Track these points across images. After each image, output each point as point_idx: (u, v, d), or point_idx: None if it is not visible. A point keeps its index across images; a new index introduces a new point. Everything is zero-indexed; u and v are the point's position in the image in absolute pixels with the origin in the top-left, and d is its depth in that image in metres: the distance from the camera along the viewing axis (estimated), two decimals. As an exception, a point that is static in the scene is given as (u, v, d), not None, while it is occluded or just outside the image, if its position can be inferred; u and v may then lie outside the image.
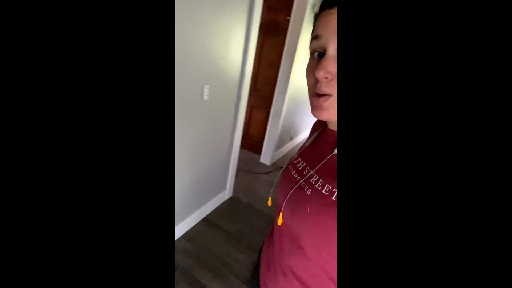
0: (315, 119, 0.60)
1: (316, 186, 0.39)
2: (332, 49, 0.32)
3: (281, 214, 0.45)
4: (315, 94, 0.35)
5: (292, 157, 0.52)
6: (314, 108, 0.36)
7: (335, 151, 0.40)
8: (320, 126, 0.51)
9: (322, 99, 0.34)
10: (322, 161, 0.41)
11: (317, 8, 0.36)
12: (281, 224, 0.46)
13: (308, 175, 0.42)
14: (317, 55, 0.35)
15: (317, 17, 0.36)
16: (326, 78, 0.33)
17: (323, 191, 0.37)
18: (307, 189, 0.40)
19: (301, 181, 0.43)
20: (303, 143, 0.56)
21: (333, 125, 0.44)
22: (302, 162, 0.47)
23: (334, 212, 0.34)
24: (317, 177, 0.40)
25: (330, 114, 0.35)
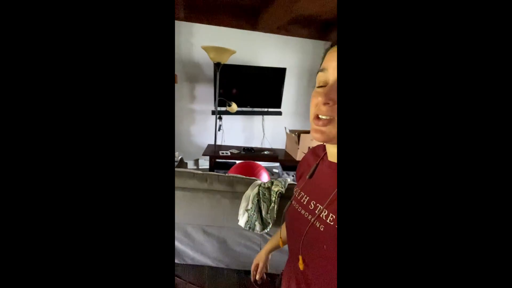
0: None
1: (328, 221, 0.39)
2: (332, 80, 0.37)
3: (300, 258, 0.43)
4: (316, 117, 0.39)
5: (294, 192, 0.52)
6: (314, 130, 0.40)
7: None
8: (317, 157, 0.51)
9: (322, 121, 0.38)
10: (328, 194, 0.41)
11: (328, 45, 0.43)
12: (303, 269, 0.43)
13: (318, 210, 0.42)
14: (321, 87, 0.39)
15: (325, 53, 0.41)
16: (328, 103, 0.37)
17: (336, 226, 0.37)
18: (319, 226, 0.40)
19: (313, 219, 0.42)
20: (297, 173, 0.57)
21: (333, 156, 0.44)
22: (306, 196, 0.47)
23: None
24: (326, 212, 0.40)
25: (330, 136, 0.38)
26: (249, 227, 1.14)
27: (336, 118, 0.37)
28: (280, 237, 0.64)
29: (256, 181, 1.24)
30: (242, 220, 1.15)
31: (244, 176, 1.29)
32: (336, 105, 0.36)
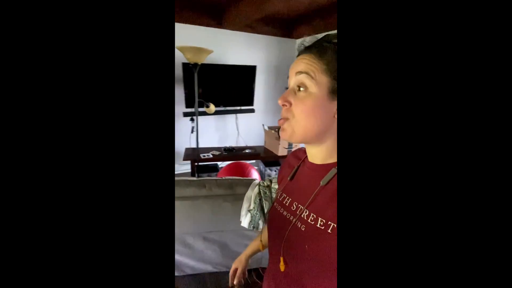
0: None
1: (309, 221, 0.40)
2: (291, 85, 0.42)
3: (281, 259, 0.44)
4: (281, 118, 0.44)
5: (276, 194, 0.53)
6: (280, 129, 0.44)
7: (321, 183, 0.41)
8: (298, 160, 0.53)
9: (281, 121, 0.42)
10: (309, 194, 0.42)
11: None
12: (284, 270, 0.44)
13: (299, 211, 0.43)
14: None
15: None
16: (285, 105, 0.41)
17: (317, 225, 0.38)
18: (300, 226, 0.41)
19: (295, 219, 0.43)
20: (278, 176, 0.59)
21: (313, 158, 0.46)
22: (288, 197, 0.48)
23: (332, 244, 0.35)
24: (307, 212, 0.41)
25: (288, 134, 0.42)
26: (253, 227, 1.15)
27: (291, 118, 0.40)
28: (261, 241, 0.64)
29: (254, 181, 1.25)
30: (245, 221, 1.16)
31: (242, 178, 1.29)
32: (292, 107, 0.40)
